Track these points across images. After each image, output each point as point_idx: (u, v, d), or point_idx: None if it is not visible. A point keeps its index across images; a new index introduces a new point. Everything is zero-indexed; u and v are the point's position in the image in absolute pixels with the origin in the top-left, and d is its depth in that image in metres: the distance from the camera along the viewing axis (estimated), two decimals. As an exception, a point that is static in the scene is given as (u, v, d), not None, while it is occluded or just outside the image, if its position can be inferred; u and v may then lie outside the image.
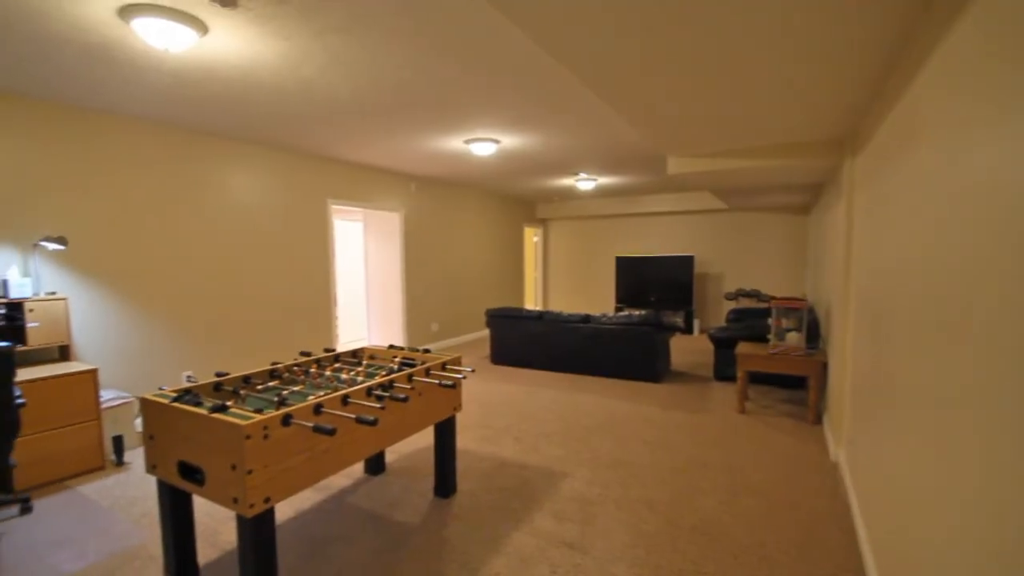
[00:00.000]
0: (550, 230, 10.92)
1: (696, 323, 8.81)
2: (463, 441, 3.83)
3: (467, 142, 4.76)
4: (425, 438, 3.89)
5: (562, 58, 2.19)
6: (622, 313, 5.80)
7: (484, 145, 4.74)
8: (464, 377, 2.78)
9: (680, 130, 3.51)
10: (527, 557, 2.36)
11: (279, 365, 2.69)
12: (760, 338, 4.95)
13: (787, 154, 3.90)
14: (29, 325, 3.28)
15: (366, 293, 7.22)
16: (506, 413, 4.49)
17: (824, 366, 4.16)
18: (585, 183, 7.30)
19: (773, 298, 4.39)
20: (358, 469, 3.33)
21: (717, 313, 9.19)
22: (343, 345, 7.52)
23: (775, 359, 4.24)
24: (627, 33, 1.94)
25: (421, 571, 2.26)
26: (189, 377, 4.46)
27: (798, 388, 5.18)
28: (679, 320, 8.91)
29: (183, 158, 4.32)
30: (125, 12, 2.24)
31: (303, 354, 2.93)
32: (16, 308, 3.25)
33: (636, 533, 2.56)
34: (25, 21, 2.32)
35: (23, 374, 3.14)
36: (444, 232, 7.69)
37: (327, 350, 3.05)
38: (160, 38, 2.33)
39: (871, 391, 2.42)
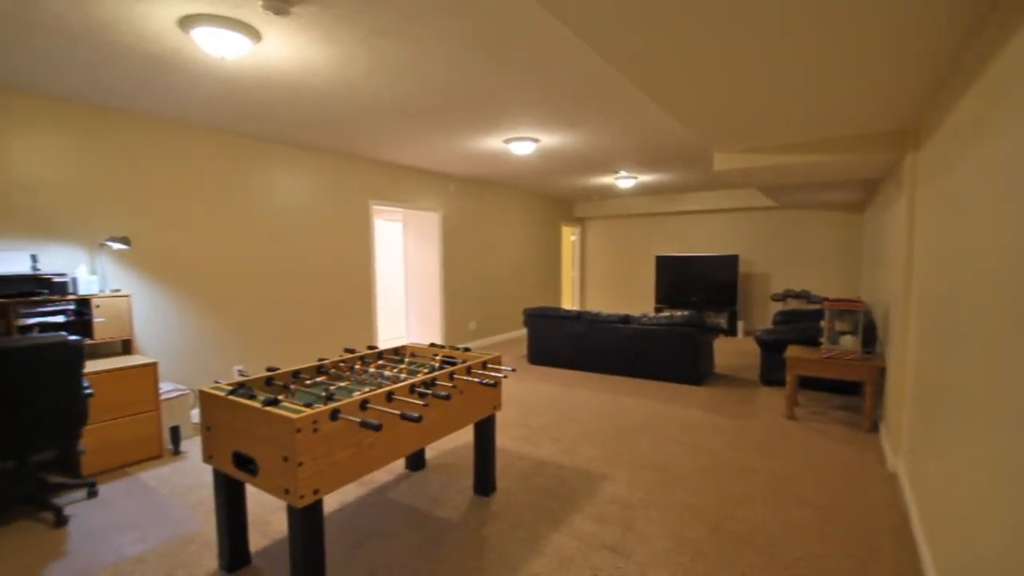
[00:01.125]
0: (588, 229, 10.82)
1: (740, 325, 8.53)
2: (501, 440, 3.83)
3: (506, 141, 4.77)
4: (464, 436, 3.92)
5: (608, 54, 2.15)
6: (663, 314, 5.68)
7: (523, 144, 4.74)
8: (505, 376, 2.78)
9: (728, 125, 3.40)
10: (568, 559, 2.34)
11: (325, 361, 2.76)
12: (811, 341, 4.75)
13: (842, 148, 3.72)
14: (96, 320, 3.48)
15: (405, 291, 7.35)
16: (544, 413, 4.47)
17: (881, 371, 3.95)
18: (625, 181, 7.19)
19: (825, 299, 4.20)
20: (399, 465, 3.39)
21: (763, 314, 8.88)
22: (382, 342, 7.67)
23: (828, 363, 4.06)
24: (676, 26, 1.89)
25: (462, 568, 2.28)
26: (240, 371, 4.63)
27: (852, 394, 4.95)
28: (722, 321, 8.66)
29: (234, 162, 4.51)
30: (185, 22, 2.35)
31: (347, 351, 3.00)
32: (84, 304, 3.46)
33: (680, 539, 2.50)
34: (95, 33, 2.46)
35: (90, 366, 3.34)
36: (482, 231, 7.74)
37: (370, 347, 3.11)
38: (217, 47, 2.43)
39: (936, 398, 2.28)
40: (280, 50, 2.70)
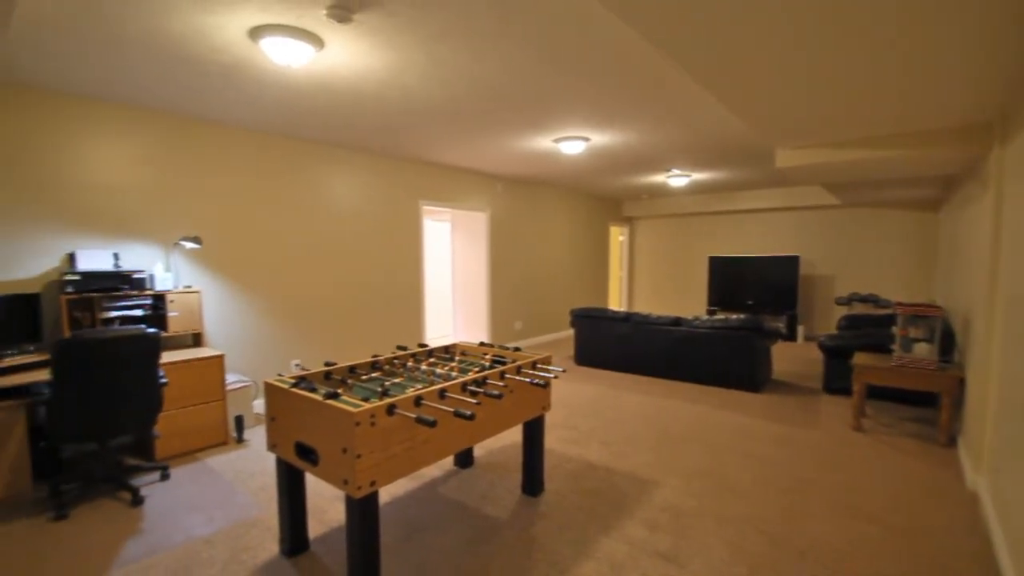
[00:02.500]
0: (637, 229, 10.62)
1: (800, 329, 8.13)
2: (548, 440, 3.82)
3: (556, 141, 4.74)
4: (511, 435, 3.93)
5: (670, 50, 2.10)
6: (718, 316, 5.49)
7: (573, 144, 4.70)
8: (555, 376, 2.76)
9: (794, 120, 3.25)
10: (618, 564, 2.30)
11: (380, 358, 2.84)
12: (880, 348, 4.46)
13: (919, 143, 3.47)
14: (170, 314, 3.73)
15: (452, 290, 7.45)
16: (591, 415, 4.42)
17: (960, 382, 3.66)
18: (678, 179, 7.00)
19: (897, 304, 3.93)
20: (448, 461, 3.44)
21: (825, 319, 8.43)
22: (429, 340, 7.81)
23: (900, 372, 3.80)
24: (742, 16, 1.82)
25: (511, 567, 2.28)
26: (297, 365, 4.85)
27: (925, 406, 4.61)
28: (781, 326, 8.29)
29: (294, 164, 4.71)
30: (255, 33, 2.47)
31: (399, 348, 3.07)
32: (160, 299, 3.71)
33: (737, 551, 2.40)
34: (171, 45, 2.63)
35: (165, 357, 3.57)
36: (529, 231, 7.74)
37: (421, 345, 3.17)
38: (283, 55, 2.55)
39: (1029, 414, 2.09)
40: (341, 57, 2.79)
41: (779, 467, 3.35)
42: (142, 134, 3.78)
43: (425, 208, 6.20)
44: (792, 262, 8.15)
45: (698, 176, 6.97)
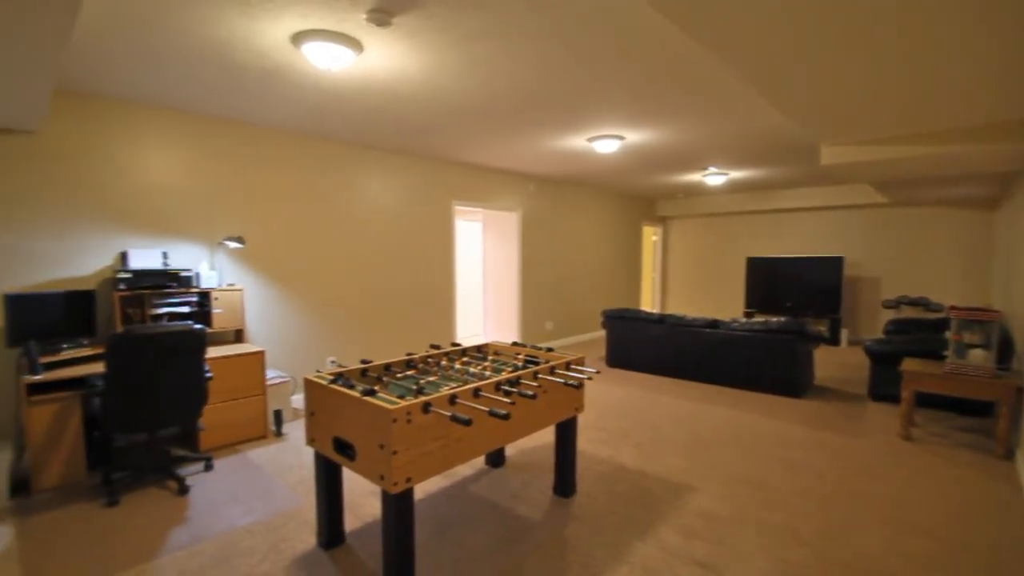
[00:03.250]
0: (671, 229, 10.43)
1: (844, 333, 7.82)
2: (580, 442, 3.78)
3: (590, 140, 4.70)
4: (542, 436, 3.91)
5: (713, 44, 2.05)
6: (757, 319, 5.33)
7: (607, 142, 4.65)
8: (589, 378, 2.74)
9: (841, 115, 3.12)
10: (653, 570, 2.25)
11: (414, 356, 2.87)
12: (931, 354, 4.25)
13: (976, 138, 3.29)
14: (214, 311, 3.86)
15: (483, 290, 7.48)
16: (623, 417, 4.35)
17: (1019, 391, 3.45)
18: (715, 178, 6.84)
19: (951, 307, 3.73)
20: (480, 460, 3.45)
21: (870, 323, 8.09)
22: (460, 340, 7.86)
23: (954, 379, 3.61)
24: (794, 8, 1.75)
25: (543, 567, 2.26)
26: (333, 361, 4.96)
27: (980, 415, 4.36)
28: (823, 329, 7.99)
29: (330, 166, 4.82)
30: (297, 38, 2.53)
31: (433, 347, 3.10)
32: (205, 296, 3.85)
33: (778, 561, 2.32)
34: (216, 52, 2.72)
35: (209, 352, 3.70)
36: (560, 231, 7.70)
37: (454, 344, 3.19)
38: (324, 59, 2.61)
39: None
40: (379, 60, 2.84)
41: (822, 476, 3.22)
42: (189, 138, 3.93)
43: (457, 208, 6.25)
44: (835, 263, 7.84)
45: (736, 174, 6.79)
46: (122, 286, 3.42)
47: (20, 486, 3.07)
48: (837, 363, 6.60)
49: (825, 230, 8.44)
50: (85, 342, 3.45)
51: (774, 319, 5.14)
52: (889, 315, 7.88)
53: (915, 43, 2.05)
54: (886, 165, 3.94)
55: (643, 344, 5.96)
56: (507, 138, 4.69)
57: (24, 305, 3.12)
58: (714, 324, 5.46)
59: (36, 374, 2.94)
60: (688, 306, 10.28)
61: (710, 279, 9.92)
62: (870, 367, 4.89)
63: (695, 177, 7.02)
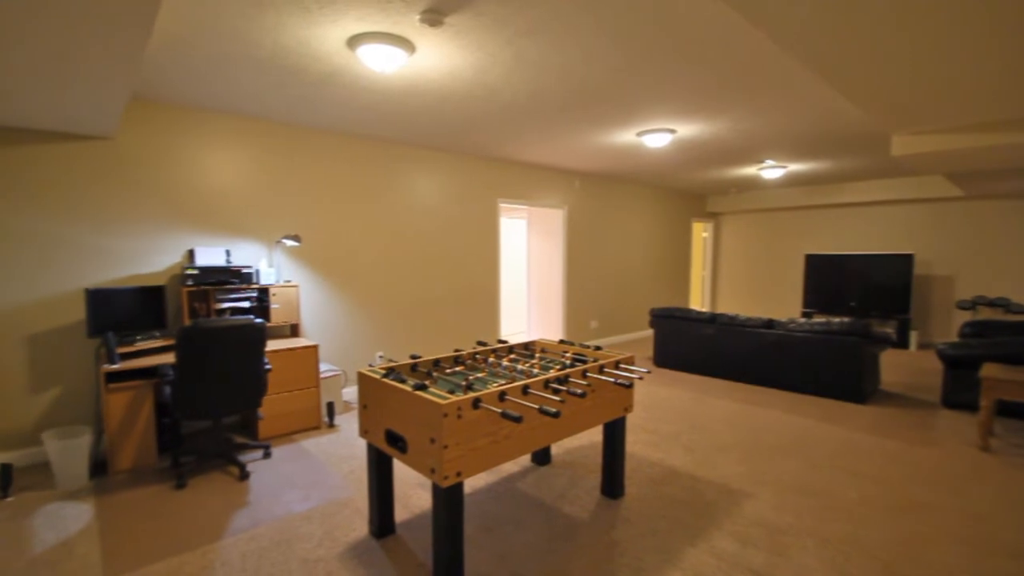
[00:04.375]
0: (722, 225, 10.07)
1: (913, 336, 7.32)
2: (628, 443, 3.71)
3: (639, 134, 4.60)
4: (589, 435, 3.87)
5: (776, 32, 1.95)
6: (817, 319, 5.07)
7: (658, 136, 4.53)
8: (640, 377, 2.67)
9: (915, 102, 2.91)
10: (707, 577, 2.18)
11: (462, 352, 2.89)
12: (1014, 359, 3.91)
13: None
14: (272, 306, 4.03)
15: (527, 288, 7.47)
16: (674, 419, 4.24)
17: (1125, 403, 3.12)
18: (772, 171, 6.54)
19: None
20: (526, 457, 3.44)
21: (943, 325, 7.54)
22: (503, 337, 7.88)
23: (1042, 388, 3.30)
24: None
25: (592, 569, 2.23)
26: (381, 356, 5.08)
27: (1074, 428, 3.98)
28: (890, 331, 7.51)
29: (379, 165, 4.93)
30: (353, 41, 2.60)
31: (480, 343, 3.11)
32: (264, 292, 4.02)
33: (842, 575, 2.20)
34: (277, 58, 2.83)
35: (268, 345, 3.87)
36: (606, 228, 7.58)
37: (500, 341, 3.19)
38: (378, 62, 2.66)
39: None
40: (429, 59, 2.87)
41: (891, 487, 3.03)
42: (249, 142, 4.11)
43: (502, 206, 6.26)
44: (904, 261, 7.35)
45: (795, 167, 6.47)
46: (189, 282, 3.62)
47: (99, 467, 3.32)
48: (905, 367, 6.18)
49: (892, 225, 7.92)
50: (157, 334, 3.68)
51: (836, 320, 4.87)
52: (965, 317, 7.32)
53: (1001, 20, 1.88)
54: (964, 155, 3.65)
55: (693, 344, 5.79)
56: (554, 134, 4.65)
57: (103, 299, 3.36)
58: (770, 324, 5.23)
59: (114, 363, 3.16)
60: (740, 305, 9.91)
61: (764, 277, 9.51)
62: (943, 372, 4.56)
63: (750, 171, 6.74)
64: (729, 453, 3.53)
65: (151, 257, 3.72)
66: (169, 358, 3.34)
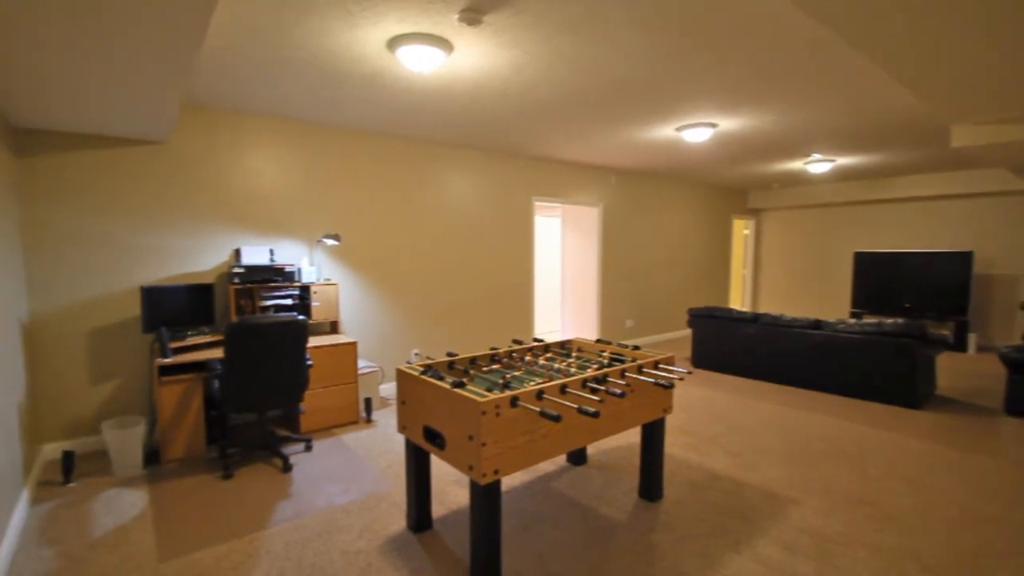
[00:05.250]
0: (764, 221, 9.75)
1: (972, 338, 6.90)
2: (666, 445, 3.63)
3: (679, 129, 4.49)
4: (625, 436, 3.81)
5: (828, 17, 1.86)
6: (868, 320, 4.84)
7: (699, 131, 4.41)
8: (681, 378, 2.61)
9: (977, 89, 2.73)
10: (751, 585, 2.11)
11: (499, 350, 2.89)
12: (1091, 364, 3.62)
13: None
14: (313, 304, 4.14)
15: (561, 286, 7.42)
16: (714, 422, 4.13)
17: None
18: (818, 165, 6.28)
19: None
20: (561, 457, 3.42)
21: (1005, 327, 7.08)
22: (538, 335, 7.86)
23: (1123, 395, 3.05)
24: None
25: (630, 572, 2.19)
26: (416, 353, 5.14)
27: None
28: (947, 333, 7.11)
29: (415, 165, 4.99)
30: (393, 43, 2.63)
31: (515, 341, 3.10)
32: (305, 290, 4.13)
33: (897, 589, 2.09)
34: (319, 61, 2.89)
35: (309, 341, 3.97)
36: (643, 226, 7.45)
37: (536, 340, 3.18)
38: (417, 62, 2.68)
39: None
40: (466, 59, 2.88)
41: (948, 497, 2.86)
42: (291, 144, 4.23)
43: (536, 204, 6.24)
44: (962, 259, 6.93)
45: (844, 160, 6.20)
46: (236, 280, 3.75)
47: (152, 456, 3.48)
48: (964, 371, 5.84)
49: (950, 221, 7.49)
50: (206, 329, 3.83)
51: (888, 321, 4.63)
52: (1031, 319, 6.85)
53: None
54: (1035, 145, 3.41)
55: (734, 345, 5.62)
56: (591, 131, 4.60)
57: (156, 296, 3.52)
58: (817, 325, 5.03)
59: (166, 357, 3.31)
60: (782, 305, 9.58)
61: (809, 276, 9.16)
62: (1007, 377, 4.28)
63: (795, 165, 6.49)
64: (773, 457, 3.41)
65: (200, 256, 3.88)
66: (217, 353, 3.47)
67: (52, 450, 3.42)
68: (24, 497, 2.73)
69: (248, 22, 2.40)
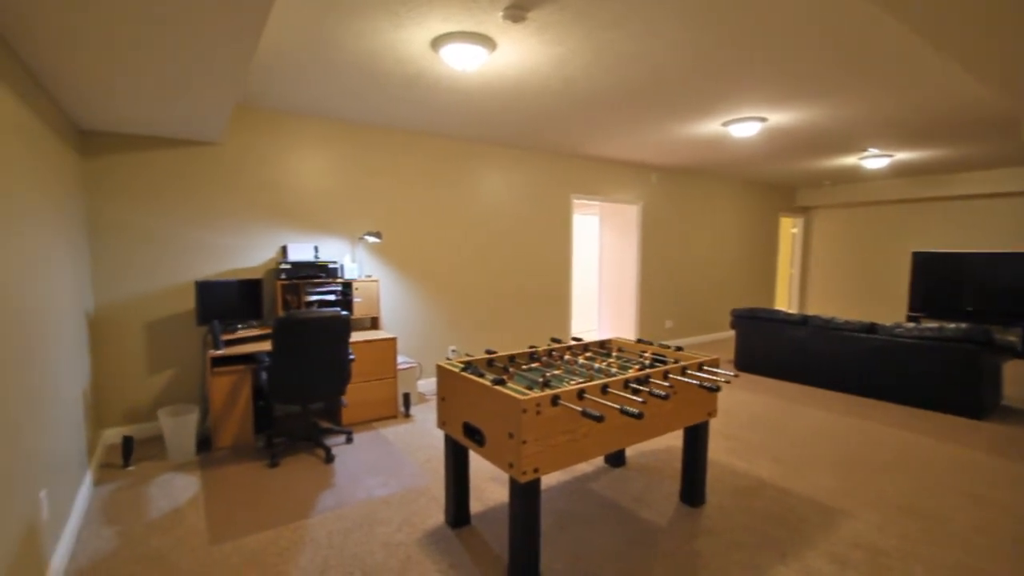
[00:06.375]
0: (814, 219, 9.35)
1: (1042, 346, 6.43)
2: (709, 449, 3.53)
3: (725, 124, 4.35)
4: (666, 439, 3.72)
5: (899, 12, 1.75)
6: (928, 324, 4.57)
7: (746, 125, 4.26)
8: (728, 381, 2.53)
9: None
10: (800, 599, 2.02)
11: (538, 349, 2.88)
12: None
13: None
14: (355, 300, 4.23)
15: (599, 285, 7.33)
16: (758, 427, 3.99)
17: None
18: (875, 161, 5.97)
19: None
20: (599, 458, 3.37)
21: (1082, 335, 6.55)
22: (574, 335, 7.79)
23: None
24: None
25: (672, 579, 2.14)
26: (454, 350, 5.18)
27: None
28: (1015, 339, 6.63)
29: (453, 164, 5.02)
30: (437, 42, 2.65)
31: (554, 340, 3.08)
32: (348, 286, 4.22)
33: (962, 612, 1.96)
34: (365, 62, 2.94)
35: (352, 337, 4.05)
36: (684, 224, 7.27)
37: (575, 339, 3.15)
38: (460, 61, 2.69)
39: None
40: (509, 56, 2.87)
41: (1013, 514, 2.66)
42: (335, 143, 4.33)
43: (575, 202, 6.17)
44: (1034, 260, 6.46)
45: (902, 156, 5.87)
46: (283, 276, 3.87)
47: (203, 443, 3.64)
48: (1035, 381, 5.44)
49: (1017, 220, 6.98)
50: (254, 323, 3.98)
51: (951, 325, 4.36)
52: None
53: None
54: (1125, 136, 3.12)
55: (780, 348, 5.42)
56: (633, 127, 4.51)
57: (210, 290, 3.67)
58: (872, 328, 4.78)
59: (219, 349, 3.45)
60: (832, 307, 9.17)
61: (861, 277, 8.73)
62: (1088, 389, 3.95)
63: (849, 160, 6.19)
64: (823, 466, 3.26)
65: (250, 252, 4.02)
66: (265, 346, 3.59)
67: (113, 435, 3.62)
68: (88, 478, 2.91)
69: (295, 25, 2.46)
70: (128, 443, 3.25)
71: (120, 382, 3.63)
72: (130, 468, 3.24)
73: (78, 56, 2.10)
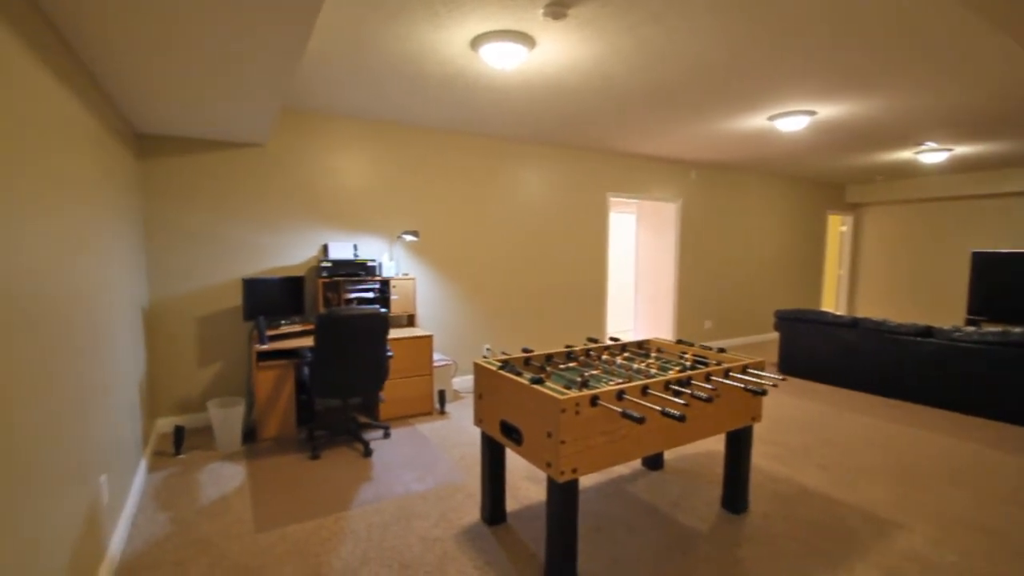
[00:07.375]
0: (865, 217, 8.93)
1: (1120, 353, 5.94)
2: (752, 455, 3.42)
3: (771, 118, 4.20)
4: (704, 442, 3.63)
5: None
6: (990, 328, 4.30)
7: (793, 120, 4.10)
8: (775, 385, 2.44)
9: None
10: (851, 614, 1.93)
11: (575, 348, 2.85)
12: None
13: None
14: (392, 298, 4.29)
15: (635, 284, 7.21)
16: (804, 433, 3.84)
17: None
18: (932, 155, 5.65)
19: None
20: (636, 460, 3.32)
21: None
22: (609, 334, 7.68)
23: None
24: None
25: (714, 587, 2.09)
26: (488, 349, 5.20)
27: None
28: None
29: (490, 162, 5.03)
30: (476, 42, 2.65)
31: (591, 340, 3.04)
32: (385, 284, 4.29)
33: (1032, 636, 1.83)
34: (406, 63, 2.97)
35: (390, 334, 4.12)
36: (725, 222, 7.07)
37: (612, 339, 3.10)
38: (500, 60, 2.70)
39: None
40: (548, 54, 2.85)
41: (1097, 537, 2.47)
42: (374, 143, 4.41)
43: (611, 200, 6.09)
44: (1112, 261, 5.98)
45: (962, 150, 5.53)
46: (324, 273, 3.97)
47: (249, 434, 3.77)
48: (1113, 392, 5.03)
49: (1097, 218, 6.48)
50: (296, 319, 4.09)
51: (1015, 329, 4.09)
52: None
53: None
54: None
55: (829, 351, 5.20)
56: (673, 123, 4.41)
57: (255, 287, 3.80)
58: (928, 332, 4.53)
59: (264, 344, 3.56)
60: (883, 309, 8.74)
61: (916, 278, 8.29)
62: None
63: (904, 155, 5.88)
64: (874, 476, 3.11)
65: (292, 251, 4.14)
66: (307, 342, 3.69)
67: (165, 424, 3.80)
68: (143, 465, 3.06)
69: (338, 28, 2.51)
70: (179, 432, 3.40)
71: (172, 374, 3.80)
72: (181, 456, 3.39)
73: (137, 60, 2.20)
